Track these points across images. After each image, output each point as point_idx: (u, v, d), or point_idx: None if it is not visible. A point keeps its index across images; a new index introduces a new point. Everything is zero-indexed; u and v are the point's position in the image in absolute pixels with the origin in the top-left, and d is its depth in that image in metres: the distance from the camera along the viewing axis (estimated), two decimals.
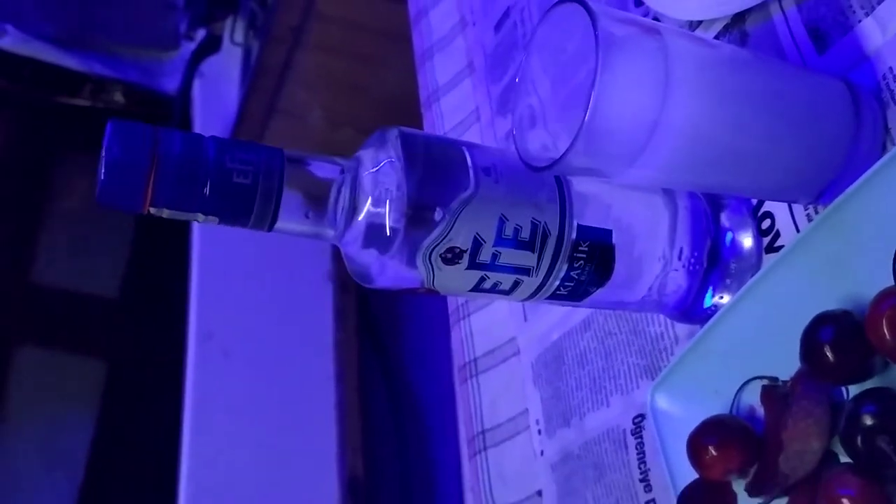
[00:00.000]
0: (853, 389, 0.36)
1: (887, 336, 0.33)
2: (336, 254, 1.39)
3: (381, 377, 1.34)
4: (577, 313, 0.57)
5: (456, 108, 0.77)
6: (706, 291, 0.44)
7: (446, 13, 0.82)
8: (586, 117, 0.32)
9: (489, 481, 0.62)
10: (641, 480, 0.49)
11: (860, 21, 0.39)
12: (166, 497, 1.47)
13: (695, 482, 0.42)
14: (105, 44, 1.39)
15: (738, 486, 0.41)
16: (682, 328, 0.48)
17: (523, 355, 0.63)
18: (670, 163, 0.35)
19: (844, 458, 0.35)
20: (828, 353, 0.35)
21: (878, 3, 0.38)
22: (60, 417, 1.86)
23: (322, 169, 0.37)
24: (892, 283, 0.34)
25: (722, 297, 0.44)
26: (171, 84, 1.48)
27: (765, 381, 0.40)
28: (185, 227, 1.57)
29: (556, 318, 0.60)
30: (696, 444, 0.41)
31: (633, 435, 0.50)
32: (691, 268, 0.43)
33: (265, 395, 1.22)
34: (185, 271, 1.49)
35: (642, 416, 0.50)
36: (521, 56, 0.69)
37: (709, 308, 0.44)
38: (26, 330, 1.89)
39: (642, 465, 0.49)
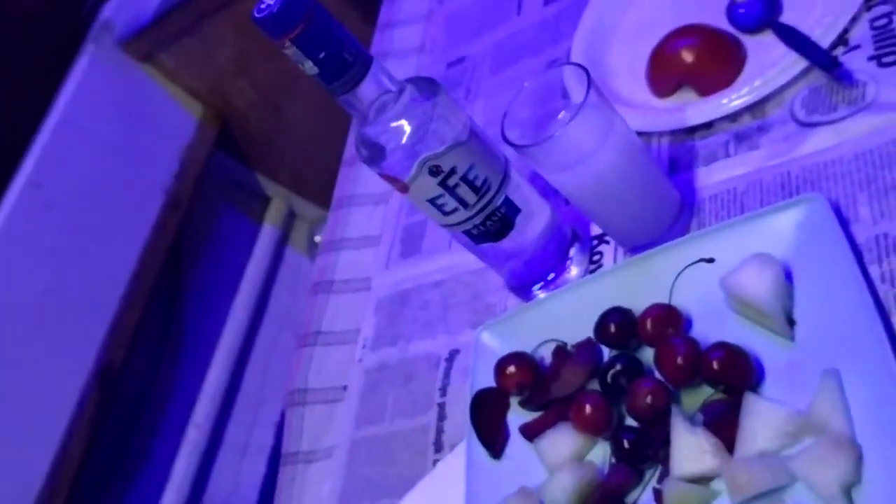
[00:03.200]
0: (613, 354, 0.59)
1: (649, 329, 0.56)
2: (180, 175, 1.47)
3: (167, 293, 1.44)
4: (431, 276, 0.77)
5: None
6: (538, 283, 0.66)
7: (410, 36, 1.02)
8: (556, 133, 0.54)
9: (308, 370, 0.79)
10: (440, 389, 0.69)
11: (698, 168, 0.65)
12: None
13: (485, 389, 0.62)
14: None
15: (513, 402, 0.62)
16: (511, 302, 0.69)
17: (373, 291, 0.81)
18: (581, 184, 0.57)
19: None
20: (611, 328, 0.58)
21: (712, 162, 0.64)
22: None
23: (385, 80, 0.55)
24: (660, 302, 0.57)
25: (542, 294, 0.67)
26: None
27: (558, 343, 0.62)
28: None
29: (413, 274, 0.79)
30: (503, 363, 0.61)
31: (445, 361, 0.70)
32: (542, 263, 0.65)
33: (64, 260, 1.27)
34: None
35: (457, 351, 0.70)
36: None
37: (534, 294, 0.67)
38: None
39: (445, 380, 0.69)
